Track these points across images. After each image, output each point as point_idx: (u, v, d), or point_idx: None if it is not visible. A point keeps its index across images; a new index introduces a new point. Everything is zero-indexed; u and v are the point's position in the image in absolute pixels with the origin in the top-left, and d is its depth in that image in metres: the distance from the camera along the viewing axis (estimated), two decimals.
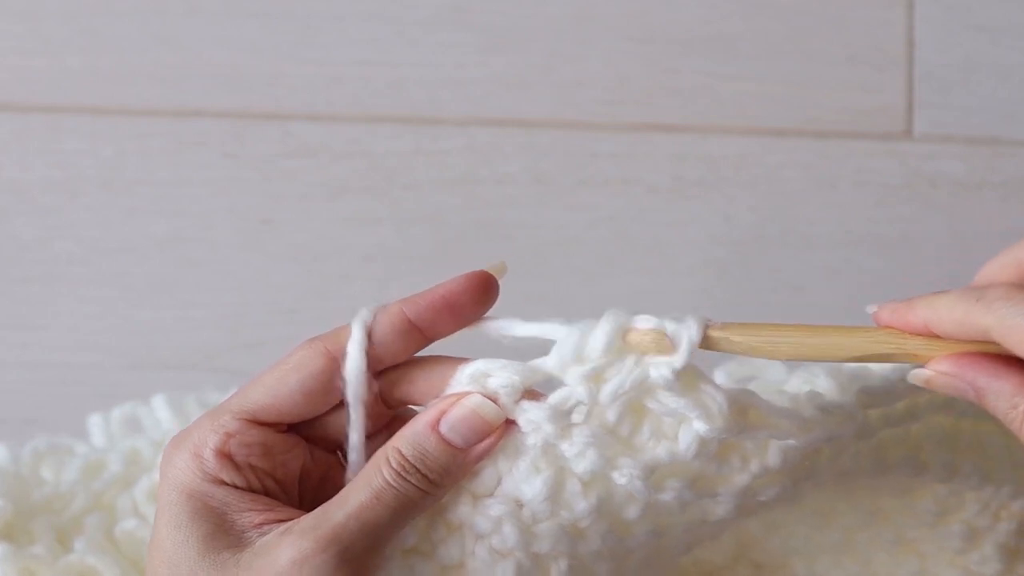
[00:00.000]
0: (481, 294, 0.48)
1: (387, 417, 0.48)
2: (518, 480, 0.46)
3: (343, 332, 0.47)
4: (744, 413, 0.46)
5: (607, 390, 0.45)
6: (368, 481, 0.45)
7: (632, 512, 0.48)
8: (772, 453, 0.47)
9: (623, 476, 0.47)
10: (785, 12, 0.82)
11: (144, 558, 0.62)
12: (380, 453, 0.45)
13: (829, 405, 0.49)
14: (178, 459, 0.46)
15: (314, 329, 0.77)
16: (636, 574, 0.51)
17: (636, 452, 0.47)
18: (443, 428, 0.45)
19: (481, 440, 0.46)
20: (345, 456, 0.48)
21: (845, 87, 0.81)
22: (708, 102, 0.81)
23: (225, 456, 0.45)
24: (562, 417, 0.46)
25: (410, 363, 0.48)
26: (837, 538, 0.60)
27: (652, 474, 0.47)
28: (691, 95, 0.81)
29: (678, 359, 0.46)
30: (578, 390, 0.45)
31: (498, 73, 0.81)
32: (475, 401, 0.46)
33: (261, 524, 0.45)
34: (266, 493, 0.46)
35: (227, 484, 0.45)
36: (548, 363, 0.46)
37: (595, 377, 0.46)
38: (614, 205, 0.80)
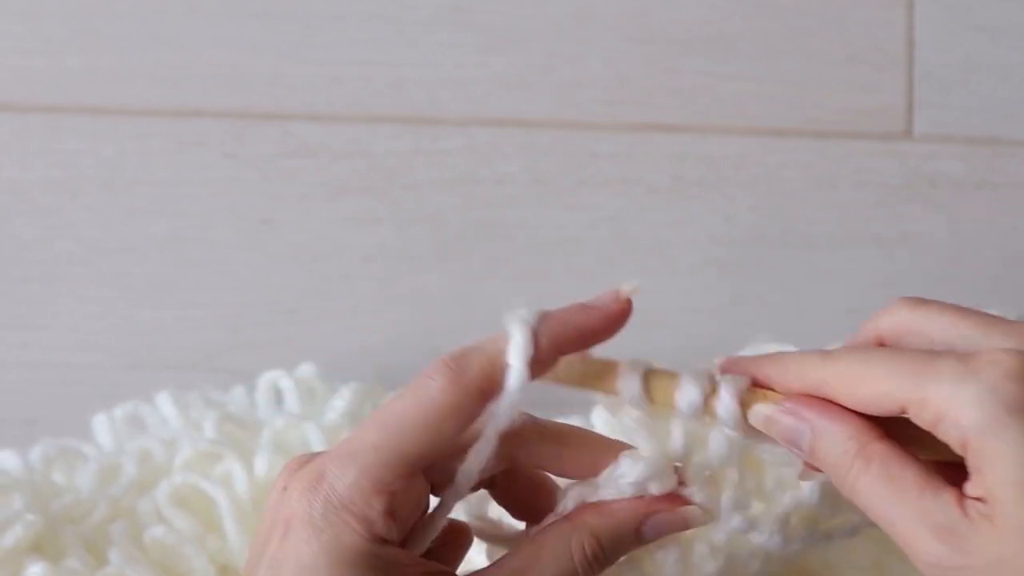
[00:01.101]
0: (624, 321, 0.46)
1: (502, 467, 0.46)
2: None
3: (491, 358, 0.43)
4: None
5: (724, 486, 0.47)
6: (556, 561, 0.43)
7: (754, 566, 0.48)
8: None
9: (762, 534, 0.47)
10: (785, 12, 0.82)
11: (174, 564, 0.62)
12: (572, 533, 0.44)
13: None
14: (335, 518, 0.42)
15: (314, 329, 0.78)
16: None
17: (769, 504, 0.47)
18: (646, 528, 0.45)
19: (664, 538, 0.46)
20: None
21: (845, 87, 0.81)
22: (708, 102, 0.81)
23: (391, 515, 0.42)
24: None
25: (559, 433, 0.46)
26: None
27: (786, 526, 0.47)
28: (691, 95, 0.81)
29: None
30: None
31: (498, 73, 0.81)
32: (691, 513, 0.45)
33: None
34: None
35: (388, 542, 0.43)
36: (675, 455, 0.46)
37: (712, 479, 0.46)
38: (614, 205, 0.80)
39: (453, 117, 0.80)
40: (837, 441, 0.43)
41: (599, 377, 0.45)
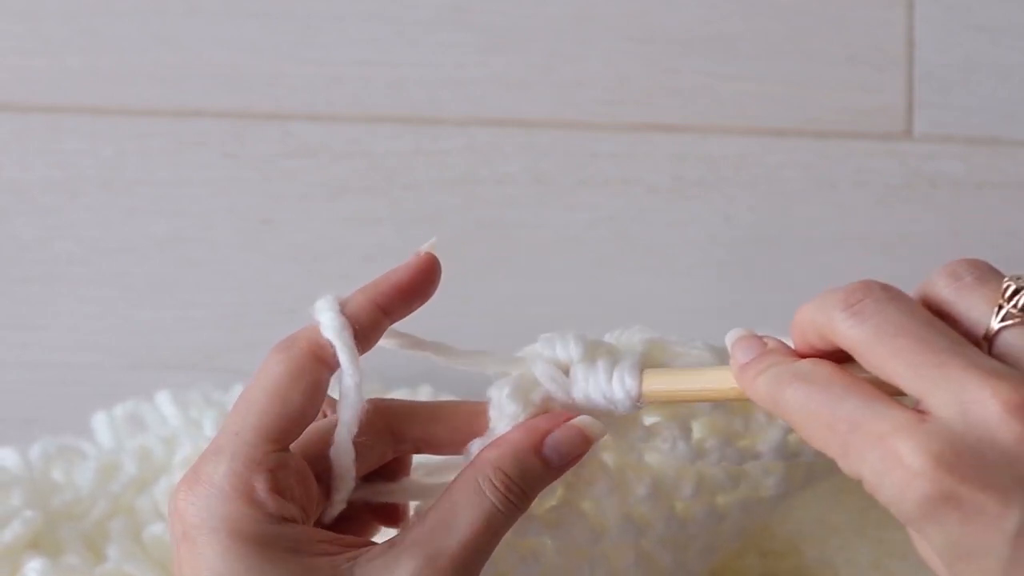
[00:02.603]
0: (434, 276, 0.48)
1: (388, 457, 0.47)
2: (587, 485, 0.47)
3: (313, 332, 0.45)
4: None
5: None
6: (471, 504, 0.43)
7: (687, 489, 0.48)
8: None
9: (665, 441, 0.47)
10: (785, 12, 0.82)
11: (172, 561, 0.62)
12: (474, 473, 0.44)
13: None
14: (223, 509, 0.42)
15: None
16: (697, 560, 0.51)
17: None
18: (546, 449, 0.45)
19: (575, 459, 0.46)
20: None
21: (845, 87, 0.81)
22: (708, 102, 0.81)
23: (278, 492, 0.43)
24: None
25: (432, 405, 0.47)
26: (850, 518, 0.60)
27: (689, 432, 0.47)
28: (691, 95, 0.81)
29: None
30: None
31: (498, 73, 0.81)
32: (584, 421, 0.46)
33: (339, 552, 0.43)
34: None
35: (288, 520, 0.43)
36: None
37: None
38: (614, 205, 0.80)
39: (453, 117, 0.80)
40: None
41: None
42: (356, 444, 0.45)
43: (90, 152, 0.79)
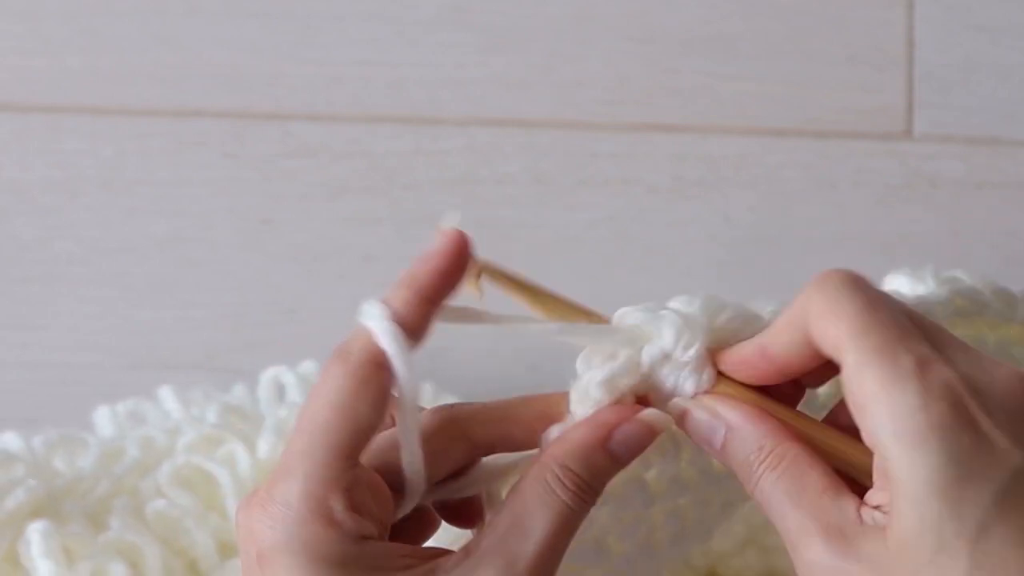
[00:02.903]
0: (466, 248, 0.48)
1: (463, 462, 0.46)
2: None
3: (366, 340, 0.43)
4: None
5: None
6: (544, 504, 0.42)
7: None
8: None
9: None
10: (785, 12, 0.82)
11: (176, 536, 0.61)
12: (543, 472, 0.43)
13: None
14: (302, 533, 0.40)
15: (314, 329, 0.78)
16: (716, 517, 0.51)
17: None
18: (613, 444, 0.44)
19: (641, 451, 0.45)
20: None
21: (845, 87, 0.81)
22: (708, 102, 0.81)
23: (356, 510, 0.41)
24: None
25: (503, 403, 0.46)
26: None
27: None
28: (691, 95, 0.81)
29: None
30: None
31: (498, 73, 0.81)
32: (651, 416, 0.44)
33: (416, 565, 0.42)
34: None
35: (367, 538, 0.41)
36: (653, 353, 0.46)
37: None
38: (614, 205, 0.80)
39: (453, 117, 0.80)
40: (751, 440, 0.43)
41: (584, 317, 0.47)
42: (429, 451, 0.44)
43: (90, 152, 0.79)
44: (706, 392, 0.45)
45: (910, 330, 0.42)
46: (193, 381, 0.72)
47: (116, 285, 0.78)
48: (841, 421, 0.44)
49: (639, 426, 0.44)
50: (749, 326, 0.47)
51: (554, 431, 0.45)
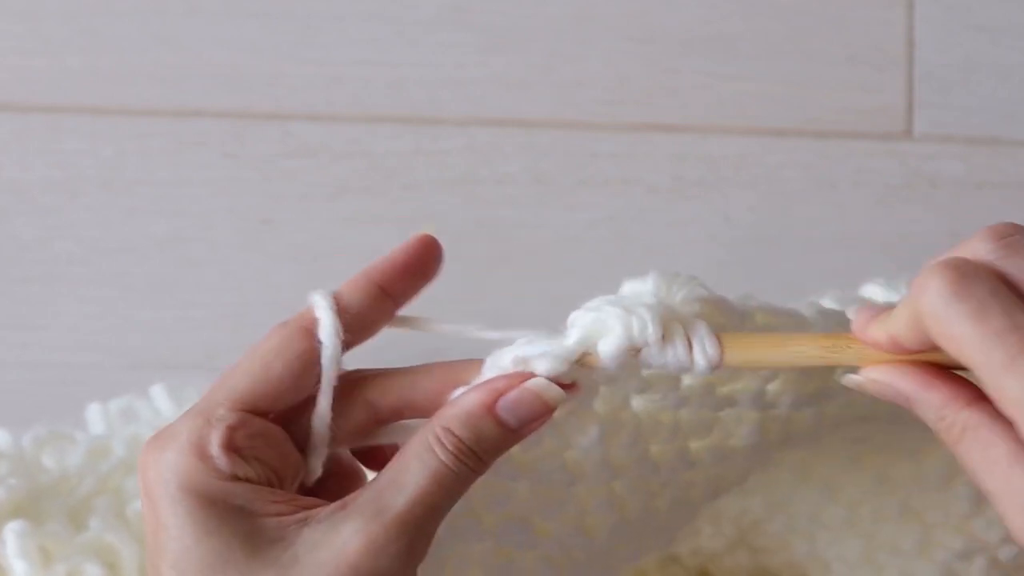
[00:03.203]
0: (435, 254, 0.48)
1: (370, 428, 0.47)
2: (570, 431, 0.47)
3: (308, 311, 0.46)
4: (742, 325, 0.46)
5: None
6: (422, 462, 0.43)
7: (664, 432, 0.48)
8: None
9: (658, 391, 0.47)
10: (785, 12, 0.82)
11: None
12: (426, 433, 0.44)
13: (829, 311, 0.49)
14: (177, 461, 0.43)
15: None
16: (667, 517, 0.51)
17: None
18: (500, 410, 0.44)
19: (535, 421, 0.44)
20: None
21: (845, 87, 0.81)
22: (708, 102, 0.81)
23: (233, 450, 0.43)
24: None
25: (409, 370, 0.47)
26: (842, 513, 0.60)
27: (679, 381, 0.47)
28: (691, 95, 0.81)
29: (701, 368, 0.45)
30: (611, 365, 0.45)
31: (498, 73, 0.81)
32: (539, 385, 0.44)
33: (292, 512, 0.43)
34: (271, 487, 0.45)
35: (242, 479, 0.43)
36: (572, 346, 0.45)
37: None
38: (614, 205, 0.80)
39: (453, 117, 0.80)
40: (930, 409, 0.43)
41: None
42: (333, 414, 0.46)
43: (90, 152, 0.79)
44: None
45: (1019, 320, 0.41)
46: (193, 381, 0.72)
47: (116, 285, 0.78)
48: None
49: (526, 394, 0.44)
50: (715, 307, 0.47)
51: (457, 395, 0.45)
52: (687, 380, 0.48)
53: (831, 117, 0.81)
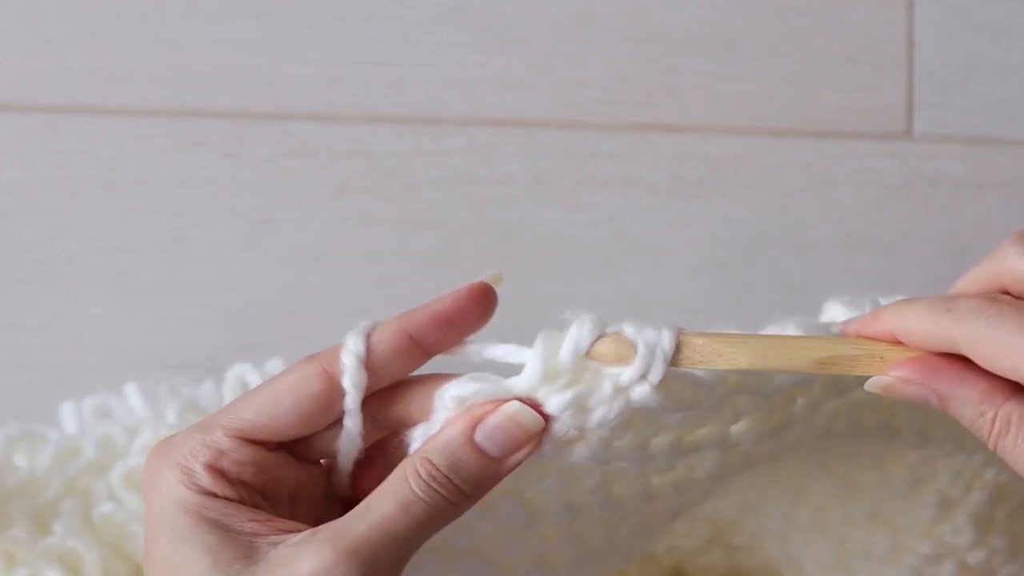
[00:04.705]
0: (482, 307, 0.46)
1: (373, 439, 0.47)
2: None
3: (335, 350, 0.46)
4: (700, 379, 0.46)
5: (594, 419, 0.45)
6: (394, 491, 0.43)
7: (629, 476, 0.47)
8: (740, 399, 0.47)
9: (627, 449, 0.46)
10: (785, 12, 0.82)
11: (122, 540, 0.62)
12: (407, 463, 0.44)
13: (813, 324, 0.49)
14: (167, 473, 0.45)
15: (314, 329, 0.78)
16: (628, 541, 0.51)
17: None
18: (478, 437, 0.44)
19: (517, 450, 0.44)
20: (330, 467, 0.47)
21: (845, 87, 0.81)
22: (708, 102, 0.81)
23: (216, 472, 0.45)
24: (561, 444, 0.46)
25: (406, 381, 0.47)
26: (811, 517, 0.60)
27: (648, 440, 0.47)
28: (691, 95, 0.81)
29: (654, 375, 0.44)
30: (567, 421, 0.44)
31: (498, 73, 0.81)
32: (513, 408, 0.44)
33: (267, 534, 0.44)
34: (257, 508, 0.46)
35: (220, 497, 0.45)
36: (521, 384, 0.45)
37: (578, 404, 0.44)
38: (614, 205, 0.80)
39: (453, 117, 0.80)
40: (968, 405, 0.42)
41: (620, 355, 0.45)
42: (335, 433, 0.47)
43: (90, 152, 0.79)
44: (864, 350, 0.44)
45: None
46: (193, 381, 0.72)
47: (116, 285, 0.78)
48: None
49: (503, 418, 0.44)
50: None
51: (417, 432, 0.45)
52: (656, 440, 0.47)
53: (831, 117, 0.81)
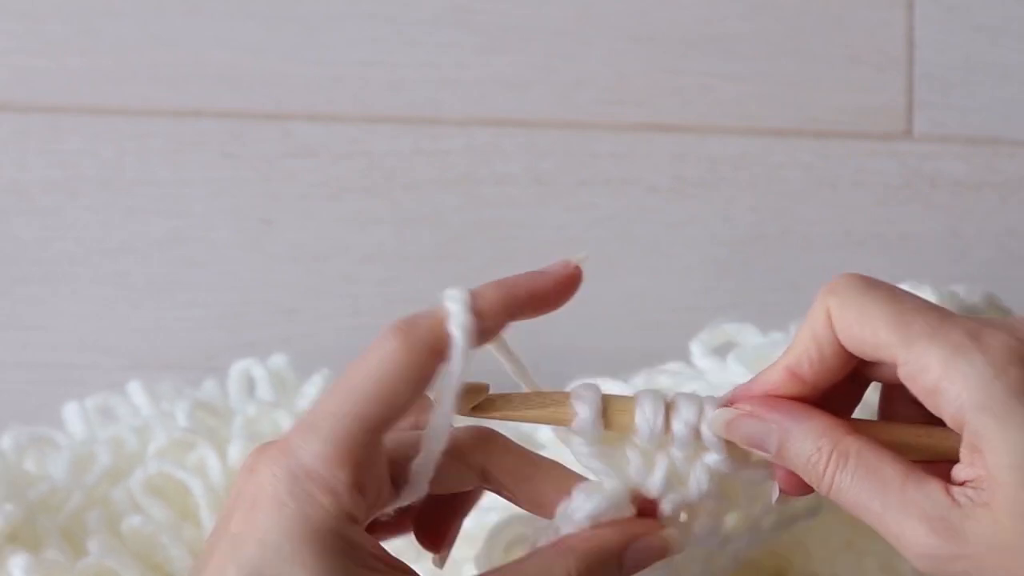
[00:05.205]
0: (571, 291, 0.45)
1: (467, 488, 0.45)
2: None
3: (436, 321, 0.41)
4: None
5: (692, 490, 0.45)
6: None
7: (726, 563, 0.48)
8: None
9: (739, 540, 0.48)
10: (785, 12, 0.82)
11: (151, 553, 0.61)
12: (559, 557, 0.43)
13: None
14: (299, 488, 0.40)
15: (314, 329, 0.78)
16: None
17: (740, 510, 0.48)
18: (628, 554, 0.44)
19: (645, 567, 0.44)
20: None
21: (845, 87, 0.81)
22: (708, 102, 0.81)
23: (358, 489, 0.41)
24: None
25: (529, 457, 0.45)
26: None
27: (758, 529, 0.47)
28: (691, 95, 0.81)
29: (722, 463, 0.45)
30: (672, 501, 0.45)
31: (498, 73, 0.81)
32: (672, 536, 0.44)
33: (386, 574, 0.41)
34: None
35: (353, 521, 0.41)
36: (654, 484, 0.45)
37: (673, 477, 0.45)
38: (614, 205, 0.80)
39: (453, 117, 0.80)
40: (807, 439, 0.42)
41: (548, 407, 0.44)
42: (443, 462, 0.43)
43: (90, 152, 0.79)
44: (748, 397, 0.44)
45: (943, 309, 0.41)
46: (193, 381, 0.72)
47: (116, 285, 0.78)
48: (897, 413, 0.44)
49: (657, 543, 0.44)
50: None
51: (561, 510, 0.44)
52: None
53: (831, 117, 0.81)
